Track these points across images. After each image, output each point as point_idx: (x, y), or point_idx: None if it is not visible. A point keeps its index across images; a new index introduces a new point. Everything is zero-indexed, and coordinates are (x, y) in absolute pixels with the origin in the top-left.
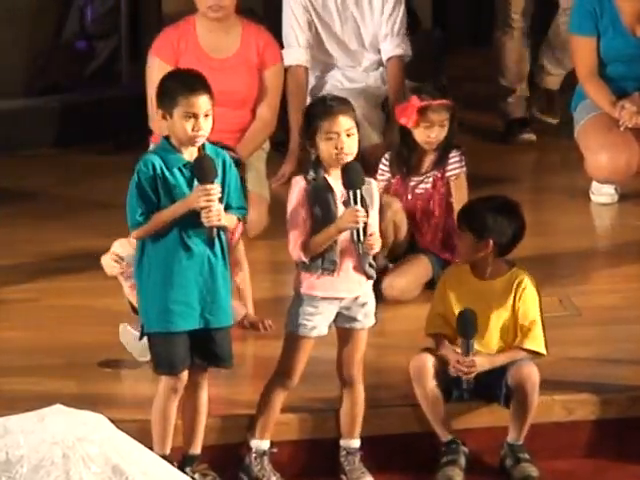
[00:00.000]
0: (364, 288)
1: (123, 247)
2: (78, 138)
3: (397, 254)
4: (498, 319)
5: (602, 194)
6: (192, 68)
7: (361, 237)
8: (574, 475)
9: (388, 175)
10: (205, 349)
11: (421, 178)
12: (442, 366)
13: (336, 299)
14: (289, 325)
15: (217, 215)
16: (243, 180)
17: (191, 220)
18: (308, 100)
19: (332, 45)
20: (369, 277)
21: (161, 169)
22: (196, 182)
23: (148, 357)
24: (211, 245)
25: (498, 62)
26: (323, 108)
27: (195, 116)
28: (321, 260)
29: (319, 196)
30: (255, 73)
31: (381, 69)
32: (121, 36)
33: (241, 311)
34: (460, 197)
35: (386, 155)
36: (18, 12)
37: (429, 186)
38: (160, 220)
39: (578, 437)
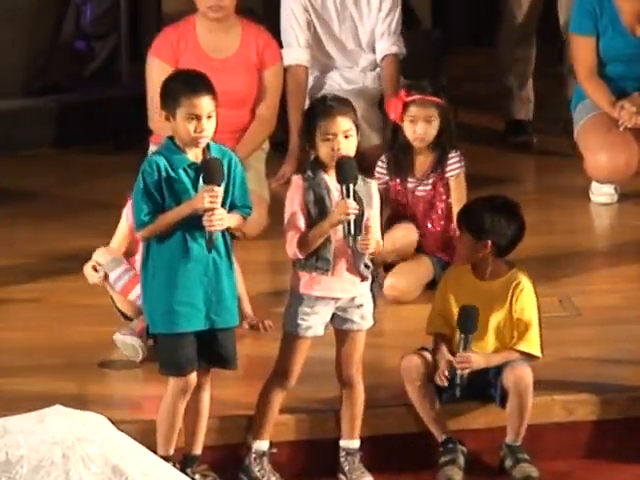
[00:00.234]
0: (360, 289)
1: (102, 255)
2: (78, 138)
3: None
4: (495, 320)
5: (602, 194)
6: (195, 69)
7: (352, 230)
8: (574, 475)
9: (386, 178)
10: (209, 350)
11: (420, 180)
12: (433, 367)
13: (332, 299)
14: (285, 325)
15: (219, 219)
16: None
17: (195, 222)
18: (307, 101)
19: (330, 45)
20: (364, 278)
21: (166, 170)
22: (201, 183)
23: (140, 356)
24: (209, 250)
25: (501, 63)
26: (322, 108)
27: (198, 117)
28: (315, 258)
29: (317, 195)
30: (255, 73)
31: (378, 69)
32: (121, 36)
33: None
34: (459, 197)
35: (382, 157)
36: (18, 12)
37: (429, 188)
38: (165, 221)
39: (578, 437)
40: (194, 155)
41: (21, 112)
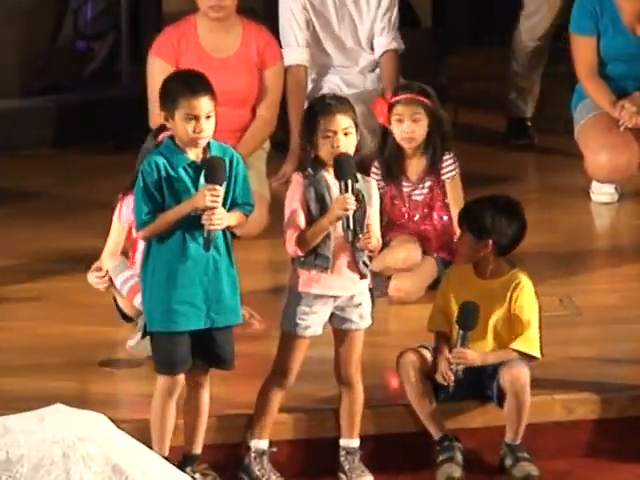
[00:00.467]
0: (359, 287)
1: (107, 262)
2: (78, 138)
3: None
4: (494, 319)
5: (602, 193)
6: (195, 69)
7: (351, 225)
8: (574, 474)
9: (382, 183)
10: (207, 351)
11: (416, 184)
12: (429, 364)
13: (331, 297)
14: (284, 324)
15: (219, 218)
16: None
17: (195, 221)
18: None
19: (329, 43)
20: (363, 276)
21: (165, 169)
22: (202, 181)
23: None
24: (206, 249)
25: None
26: (322, 107)
27: (196, 118)
28: (314, 256)
29: (317, 193)
30: (255, 72)
31: (377, 71)
32: (121, 36)
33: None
34: (456, 198)
35: (375, 163)
36: (17, 12)
37: (426, 192)
38: (165, 220)
39: (578, 436)
40: (194, 154)
41: (21, 112)
